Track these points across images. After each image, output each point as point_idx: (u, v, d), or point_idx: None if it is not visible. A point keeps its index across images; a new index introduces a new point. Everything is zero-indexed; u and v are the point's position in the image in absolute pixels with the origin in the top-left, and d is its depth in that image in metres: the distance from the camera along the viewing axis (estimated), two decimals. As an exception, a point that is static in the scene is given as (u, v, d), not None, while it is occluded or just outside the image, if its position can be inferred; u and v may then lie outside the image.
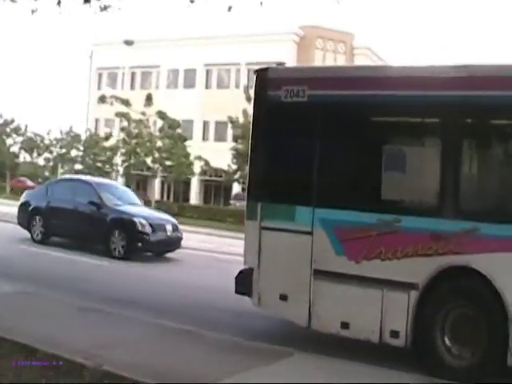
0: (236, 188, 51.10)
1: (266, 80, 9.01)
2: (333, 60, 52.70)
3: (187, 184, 50.67)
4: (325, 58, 52.69)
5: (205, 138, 56.04)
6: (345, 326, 8.28)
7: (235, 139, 40.80)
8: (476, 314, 7.67)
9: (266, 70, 9.07)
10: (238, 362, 7.56)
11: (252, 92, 9.19)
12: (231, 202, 49.90)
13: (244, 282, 9.04)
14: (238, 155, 39.46)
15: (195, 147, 44.48)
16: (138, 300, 11.56)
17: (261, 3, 10.38)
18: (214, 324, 9.76)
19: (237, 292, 9.22)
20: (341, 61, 52.89)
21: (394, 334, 7.97)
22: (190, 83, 56.55)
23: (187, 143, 43.68)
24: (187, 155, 42.69)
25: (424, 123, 8.47)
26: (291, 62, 51.81)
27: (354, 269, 8.22)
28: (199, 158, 42.30)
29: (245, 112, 39.87)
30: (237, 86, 53.50)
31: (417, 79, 8.14)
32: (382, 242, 8.06)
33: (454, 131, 7.96)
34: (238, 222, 37.88)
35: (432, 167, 8.03)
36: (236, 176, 41.40)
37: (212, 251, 22.44)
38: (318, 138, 8.63)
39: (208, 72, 56.64)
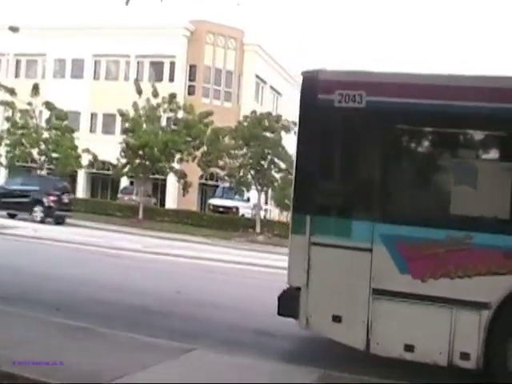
0: (124, 182, 49.46)
1: (316, 82, 8.31)
2: (223, 56, 52.37)
3: (73, 177, 48.46)
4: (215, 53, 52.18)
5: (92, 130, 53.94)
6: (409, 348, 7.83)
7: (124, 132, 39.26)
8: None
9: (315, 71, 8.36)
10: (135, 359, 7.34)
11: (300, 95, 8.41)
12: (119, 196, 48.27)
13: (289, 303, 8.32)
14: (127, 149, 38.08)
15: (83, 139, 42.57)
16: (27, 296, 10.90)
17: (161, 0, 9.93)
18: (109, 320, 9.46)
19: (280, 314, 8.47)
20: (231, 57, 52.65)
21: (465, 356, 7.62)
22: (77, 73, 54.09)
23: (74, 135, 41.67)
24: (75, 147, 40.76)
25: (497, 136, 8.14)
26: (181, 56, 50.95)
27: (419, 288, 7.78)
28: (87, 150, 40.48)
29: (135, 105, 38.78)
30: (126, 79, 51.74)
31: (492, 90, 7.80)
32: (451, 260, 7.67)
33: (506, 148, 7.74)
34: (126, 216, 37.55)
35: (505, 181, 7.71)
36: (125, 170, 39.91)
37: (104, 247, 22.05)
38: (379, 147, 8.09)
39: (96, 63, 54.41)
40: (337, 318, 8.06)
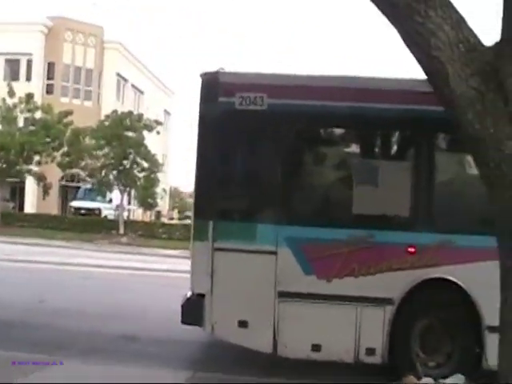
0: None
1: (216, 85, 8.13)
2: (83, 53, 50.63)
3: None
4: (74, 51, 50.30)
5: None
6: (316, 348, 7.91)
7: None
8: (451, 323, 7.80)
9: (216, 73, 8.17)
10: None
11: (199, 97, 8.19)
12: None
13: (193, 311, 8.12)
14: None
15: None
16: None
17: None
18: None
19: (184, 322, 8.25)
20: (91, 55, 50.99)
21: (370, 352, 7.83)
22: None
23: None
24: None
25: (395, 135, 8.38)
26: (39, 53, 48.66)
27: (324, 288, 7.89)
28: None
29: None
30: (-19, 76, 48.65)
31: (386, 92, 8.00)
32: (355, 259, 7.84)
33: (426, 144, 8.02)
34: None
35: (405, 180, 7.95)
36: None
37: None
38: (280, 149, 8.07)
39: (-51, 59, 50.69)
40: (243, 324, 7.97)
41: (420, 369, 7.55)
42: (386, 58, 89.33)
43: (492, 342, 7.35)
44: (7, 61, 49.56)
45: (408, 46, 3.62)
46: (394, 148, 8.72)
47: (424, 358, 7.90)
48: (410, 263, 7.74)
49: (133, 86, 57.28)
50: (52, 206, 45.25)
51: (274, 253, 7.89)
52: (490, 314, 7.36)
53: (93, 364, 7.90)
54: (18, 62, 49.37)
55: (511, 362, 3.47)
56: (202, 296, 8.04)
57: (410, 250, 7.75)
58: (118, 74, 53.65)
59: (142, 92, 59.35)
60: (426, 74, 3.67)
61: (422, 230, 7.78)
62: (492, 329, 7.28)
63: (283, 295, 7.91)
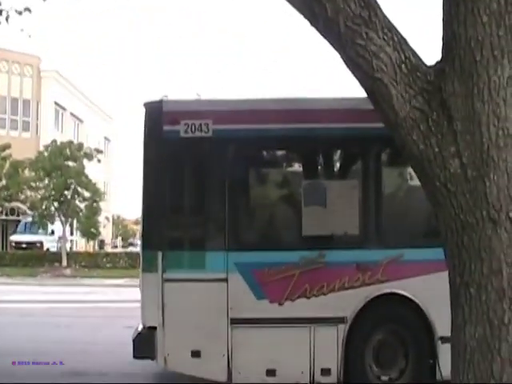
0: None
1: (160, 114, 8.07)
2: (19, 84, 49.71)
3: None
4: (10, 81, 49.38)
5: None
6: (271, 373, 7.90)
7: None
8: (404, 337, 7.87)
9: (159, 102, 8.12)
10: None
11: (143, 127, 8.11)
12: None
13: (145, 344, 7.98)
14: None
15: None
16: None
17: None
18: None
19: (136, 357, 8.09)
20: (28, 84, 50.10)
21: (326, 372, 7.84)
22: None
23: None
24: None
25: (339, 154, 8.47)
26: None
27: (277, 311, 7.89)
28: None
29: None
30: None
31: (330, 112, 8.08)
32: (306, 280, 7.85)
33: (371, 162, 8.13)
34: None
35: (352, 198, 8.02)
36: None
37: None
38: (226, 175, 8.05)
39: None
40: (196, 353, 7.87)
41: None
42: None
43: (445, 353, 7.47)
44: None
45: (351, 69, 3.63)
46: (340, 167, 8.80)
47: (378, 373, 7.93)
48: (362, 280, 7.78)
49: (72, 114, 56.58)
50: (-8, 242, 44.14)
51: (225, 280, 7.86)
52: (442, 324, 7.47)
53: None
54: (-49, 96, 48.29)
55: (463, 379, 3.48)
56: (154, 328, 7.92)
57: (360, 267, 7.78)
58: (56, 103, 52.92)
59: (81, 120, 58.68)
60: (369, 96, 3.68)
61: (371, 247, 7.84)
62: (444, 339, 7.39)
63: (236, 322, 7.87)
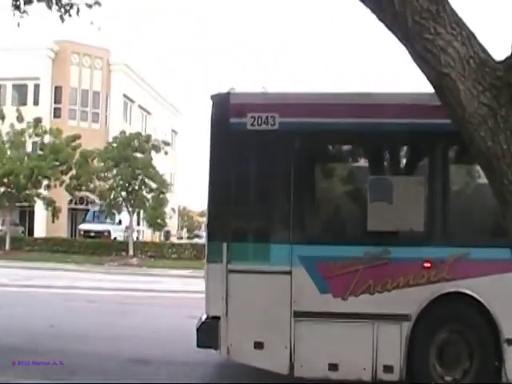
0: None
1: (227, 106, 8.13)
2: (89, 76, 50.96)
3: None
4: (81, 73, 50.65)
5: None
6: (333, 367, 7.85)
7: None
8: (469, 337, 7.74)
9: (226, 94, 8.18)
10: None
11: (210, 119, 8.20)
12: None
13: (208, 334, 8.06)
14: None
15: None
16: None
17: (18, 24, 9.96)
18: None
19: (200, 346, 8.19)
20: (98, 77, 51.33)
21: (388, 369, 7.76)
22: None
23: None
24: None
25: (406, 150, 8.37)
26: (46, 78, 48.98)
27: (340, 306, 7.84)
28: None
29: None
30: (-11, 102, 48.96)
31: (397, 107, 7.99)
32: (370, 276, 7.79)
33: (438, 158, 8.00)
34: None
35: (419, 194, 7.91)
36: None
37: None
38: (293, 169, 8.04)
39: (-44, 87, 51.17)
40: (259, 345, 7.91)
41: None
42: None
43: (511, 355, 7.35)
44: (15, 86, 49.96)
45: (418, 64, 3.60)
46: (407, 163, 8.68)
47: (442, 372, 7.82)
48: (427, 278, 7.68)
49: (140, 106, 57.55)
50: (61, 230, 45.38)
51: (289, 272, 7.86)
52: (509, 326, 7.32)
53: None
54: (25, 86, 49.76)
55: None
56: (217, 318, 7.99)
57: (426, 264, 7.69)
58: (125, 96, 53.92)
59: (149, 112, 59.61)
60: (436, 91, 3.64)
61: (438, 245, 7.74)
62: (511, 341, 7.24)
63: (299, 315, 7.87)
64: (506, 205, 3.50)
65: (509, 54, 3.56)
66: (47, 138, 38.41)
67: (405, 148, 8.55)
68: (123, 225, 42.68)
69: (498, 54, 3.63)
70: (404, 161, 8.68)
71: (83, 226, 43.61)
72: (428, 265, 7.72)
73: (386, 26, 3.66)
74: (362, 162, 8.60)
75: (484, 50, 3.52)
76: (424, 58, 3.49)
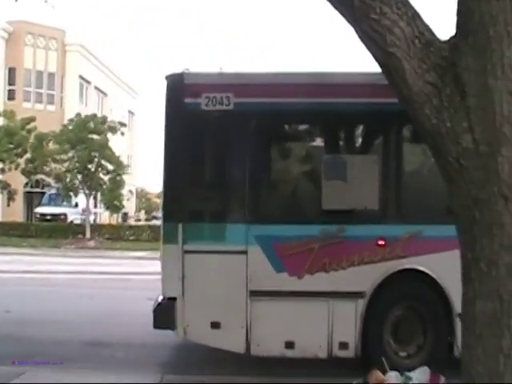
0: None
1: (181, 86, 8.09)
2: (44, 57, 49.98)
3: None
4: (36, 54, 49.65)
5: None
6: (289, 345, 7.94)
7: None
8: (422, 313, 7.91)
9: (181, 74, 8.13)
10: None
11: (165, 99, 8.15)
12: None
13: (165, 315, 8.07)
14: None
15: None
16: None
17: None
18: None
19: (156, 327, 8.20)
20: (52, 58, 50.37)
21: (343, 346, 7.88)
22: None
23: None
24: None
25: (360, 129, 8.45)
26: (0, 58, 47.92)
27: (296, 284, 7.91)
28: None
29: None
30: None
31: (350, 86, 8.05)
32: (326, 254, 7.87)
33: (392, 136, 8.10)
34: None
35: (373, 173, 8.00)
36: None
37: None
38: (247, 148, 8.06)
39: None
40: (216, 325, 7.96)
41: (386, 362, 7.60)
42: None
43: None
44: (-34, 67, 48.86)
45: (365, 44, 3.65)
46: (361, 142, 8.77)
47: (396, 348, 7.97)
48: (381, 256, 7.79)
49: (96, 88, 56.79)
50: (17, 214, 44.71)
51: (245, 252, 7.90)
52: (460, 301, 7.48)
53: (64, 372, 7.90)
54: (-22, 68, 48.69)
55: (472, 353, 3.52)
56: (174, 299, 8.00)
57: (380, 242, 7.80)
58: (81, 77, 53.13)
59: (105, 94, 58.88)
60: (383, 71, 3.70)
61: (392, 223, 7.85)
62: (462, 316, 7.40)
63: (255, 294, 7.92)
64: (451, 181, 3.58)
65: (453, 34, 3.62)
66: (1, 121, 37.65)
67: (359, 127, 8.62)
68: (80, 207, 42.23)
69: (443, 35, 3.68)
70: (359, 140, 8.76)
71: (39, 210, 43.06)
72: (382, 242, 7.82)
73: (333, 5, 3.69)
74: (317, 142, 8.67)
75: (429, 30, 3.57)
76: (370, 37, 3.53)
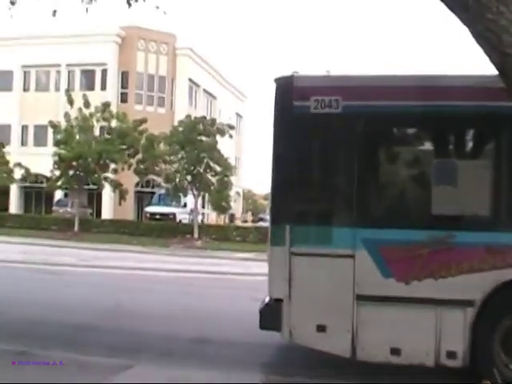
0: (59, 195, 48.64)
1: (290, 89, 8.12)
2: (155, 61, 51.70)
3: (5, 192, 47.02)
4: (147, 59, 51.47)
5: (23, 143, 52.98)
6: (395, 352, 7.78)
7: (57, 144, 38.43)
8: None
9: (290, 77, 8.17)
10: (73, 380, 7.22)
11: (274, 102, 8.22)
12: (54, 208, 47.18)
13: (271, 316, 8.11)
14: (60, 161, 37.32)
15: (14, 153, 41.44)
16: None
17: (86, 10, 10.19)
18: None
19: (263, 328, 8.25)
20: (163, 62, 52.04)
21: (451, 355, 7.64)
22: (6, 86, 52.46)
23: (5, 149, 40.54)
24: (6, 162, 39.63)
25: (472, 134, 8.21)
26: (113, 63, 50.03)
27: (403, 290, 7.74)
28: (19, 164, 39.46)
29: (67, 115, 38.08)
30: (57, 89, 50.68)
31: (462, 89, 7.82)
32: (434, 260, 7.67)
33: (506, 142, 7.81)
34: (62, 229, 36.61)
35: (485, 179, 7.75)
36: (59, 183, 39.06)
37: (39, 263, 21.19)
38: (357, 152, 7.99)
39: (26, 74, 53.15)
40: (321, 328, 7.91)
41: (497, 375, 7.32)
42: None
43: None
44: (83, 72, 51.18)
45: (480, 44, 3.54)
46: (473, 147, 8.49)
47: (506, 361, 7.68)
48: (492, 264, 7.53)
49: (205, 91, 58.03)
50: (128, 212, 46.38)
51: (352, 256, 7.82)
52: None
53: (168, 367, 8.11)
54: (93, 72, 50.99)
55: None
56: (280, 301, 8.02)
57: (491, 250, 7.54)
58: (190, 80, 54.45)
59: (214, 97, 60.05)
60: (499, 72, 3.57)
61: (504, 230, 7.57)
62: None
63: (361, 298, 7.82)
64: None
65: None
66: (114, 123, 39.13)
67: (472, 132, 8.34)
68: (188, 208, 43.25)
69: None
70: (470, 144, 8.49)
71: (149, 209, 44.40)
72: (493, 250, 7.55)
73: (447, 6, 3.60)
74: (427, 146, 8.46)
75: (549, 29, 3.42)
76: (486, 38, 3.43)
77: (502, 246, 7.53)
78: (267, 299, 8.25)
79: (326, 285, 7.91)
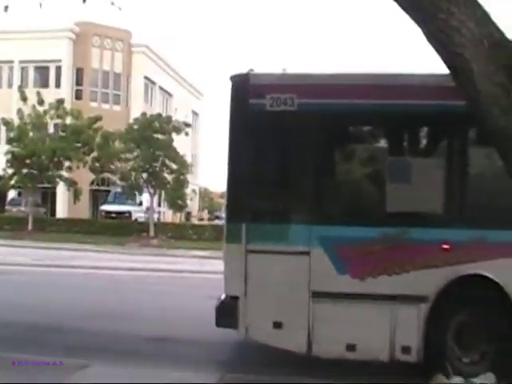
0: (12, 193, 47.63)
1: (246, 87, 8.14)
2: (110, 58, 51.17)
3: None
4: (102, 56, 50.90)
5: (-25, 141, 51.38)
6: (351, 348, 7.87)
7: (10, 142, 37.79)
8: (486, 320, 7.70)
9: (246, 75, 8.18)
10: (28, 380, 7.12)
11: (230, 100, 8.22)
12: (7, 208, 46.38)
13: (227, 314, 8.13)
14: (13, 159, 36.68)
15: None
16: None
17: (40, 5, 9.95)
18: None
19: (219, 325, 8.27)
20: (119, 59, 51.56)
21: (406, 350, 7.76)
22: (-41, 81, 51.27)
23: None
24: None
25: (424, 132, 8.33)
26: (67, 60, 49.30)
27: (358, 287, 7.82)
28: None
29: (20, 112, 37.38)
30: (9, 86, 49.77)
31: (414, 88, 7.94)
32: (389, 257, 7.78)
33: (456, 139, 7.95)
34: (15, 228, 36.20)
35: (437, 176, 7.88)
36: (12, 181, 38.39)
37: None
38: (311, 149, 8.05)
39: (-22, 70, 51.85)
40: (278, 325, 7.96)
41: (450, 368, 7.46)
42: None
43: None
44: (36, 68, 50.34)
45: (432, 44, 3.61)
46: (426, 145, 8.63)
47: (459, 355, 7.82)
48: (444, 260, 7.66)
49: (161, 88, 57.69)
50: (83, 211, 45.83)
51: (307, 253, 7.88)
52: None
53: (123, 367, 8.07)
54: (47, 69, 50.20)
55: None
56: (236, 298, 8.04)
57: (444, 246, 7.67)
58: (146, 78, 54.08)
59: (170, 94, 59.73)
60: (450, 71, 3.64)
61: (457, 227, 7.71)
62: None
63: (317, 295, 7.88)
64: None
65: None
66: (69, 120, 38.64)
67: (424, 130, 8.47)
68: (144, 206, 42.96)
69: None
70: (423, 142, 8.63)
71: (105, 207, 44.00)
72: (446, 246, 7.68)
73: (400, 6, 3.66)
74: (381, 144, 8.58)
75: (498, 31, 3.51)
76: (437, 38, 3.49)
77: (454, 243, 7.66)
78: (223, 297, 8.26)
79: (282, 282, 7.94)
